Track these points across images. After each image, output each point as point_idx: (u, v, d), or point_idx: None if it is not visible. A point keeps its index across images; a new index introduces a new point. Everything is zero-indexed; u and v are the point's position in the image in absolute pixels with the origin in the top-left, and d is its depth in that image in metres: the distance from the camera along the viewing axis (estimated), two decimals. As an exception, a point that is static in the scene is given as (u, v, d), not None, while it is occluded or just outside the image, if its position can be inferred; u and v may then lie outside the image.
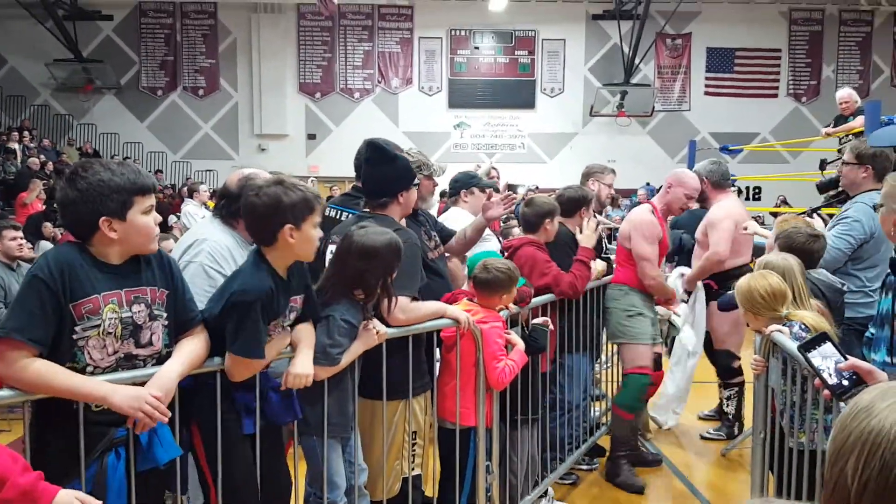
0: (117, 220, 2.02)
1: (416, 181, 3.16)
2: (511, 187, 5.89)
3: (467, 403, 3.17)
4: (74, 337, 1.99)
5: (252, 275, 2.32)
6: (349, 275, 2.64)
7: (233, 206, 2.73)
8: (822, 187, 5.27)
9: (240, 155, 17.72)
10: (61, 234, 9.31)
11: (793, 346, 2.49)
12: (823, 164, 6.66)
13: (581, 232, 4.03)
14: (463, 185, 4.44)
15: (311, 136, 18.05)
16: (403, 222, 3.17)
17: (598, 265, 4.26)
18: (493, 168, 6.13)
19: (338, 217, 3.59)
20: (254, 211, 2.34)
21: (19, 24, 16.66)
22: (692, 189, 4.36)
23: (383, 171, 3.10)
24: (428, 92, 18.30)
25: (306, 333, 2.53)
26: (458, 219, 4.17)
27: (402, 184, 3.08)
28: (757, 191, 17.30)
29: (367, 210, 3.14)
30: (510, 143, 18.40)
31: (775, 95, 18.35)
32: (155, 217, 2.14)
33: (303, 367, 2.43)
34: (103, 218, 2.01)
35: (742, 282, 2.97)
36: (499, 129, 18.40)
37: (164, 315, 2.17)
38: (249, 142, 17.94)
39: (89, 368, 2.01)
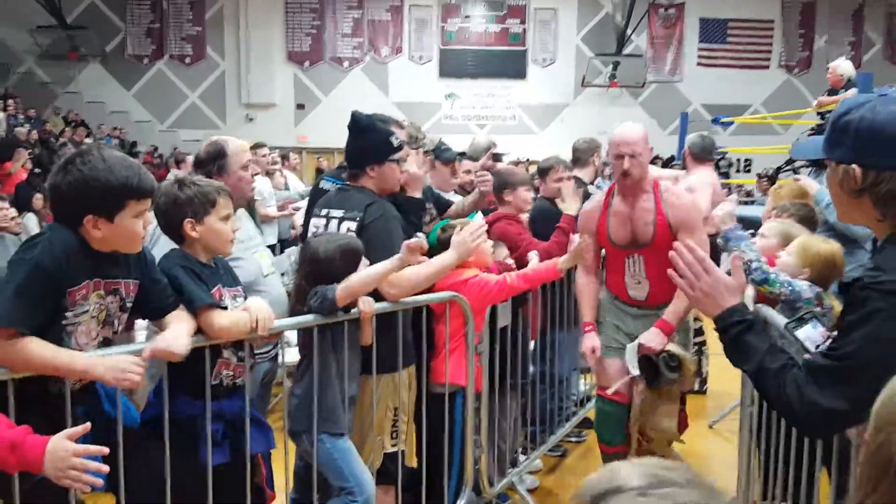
0: (104, 220, 1.97)
1: (394, 157, 3.03)
2: (496, 157, 5.78)
3: (458, 364, 3.16)
4: (64, 322, 1.96)
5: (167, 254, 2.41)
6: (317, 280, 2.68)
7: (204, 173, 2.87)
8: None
9: (227, 124, 17.51)
10: (44, 205, 9.20)
11: (781, 321, 2.49)
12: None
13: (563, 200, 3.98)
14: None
15: (300, 106, 17.86)
16: None
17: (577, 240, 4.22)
18: (494, 143, 6.01)
19: (328, 189, 3.56)
20: (157, 212, 2.39)
21: (1, -10, 16.36)
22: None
23: (355, 142, 3.05)
24: (418, 61, 18.11)
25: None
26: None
27: (372, 157, 2.99)
28: (748, 163, 17.29)
29: (347, 182, 3.11)
30: (501, 114, 18.27)
31: (767, 67, 18.27)
32: (146, 219, 2.08)
33: (261, 312, 2.40)
34: (89, 216, 1.96)
35: (820, 245, 2.92)
36: (490, 99, 18.27)
37: (130, 307, 2.18)
38: (237, 111, 17.74)
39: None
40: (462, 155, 4.19)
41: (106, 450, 1.78)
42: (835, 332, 2.07)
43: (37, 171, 10.54)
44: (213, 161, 3.01)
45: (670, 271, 1.72)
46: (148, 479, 2.26)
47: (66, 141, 13.69)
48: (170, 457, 2.26)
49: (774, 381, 1.56)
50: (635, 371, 3.08)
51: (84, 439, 1.81)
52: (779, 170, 5.08)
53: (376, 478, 2.89)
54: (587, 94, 18.33)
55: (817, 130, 4.69)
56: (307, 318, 2.60)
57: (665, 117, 17.58)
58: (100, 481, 1.76)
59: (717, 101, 17.39)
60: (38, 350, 1.87)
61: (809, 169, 4.49)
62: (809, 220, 3.40)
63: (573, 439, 4.53)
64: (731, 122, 13.70)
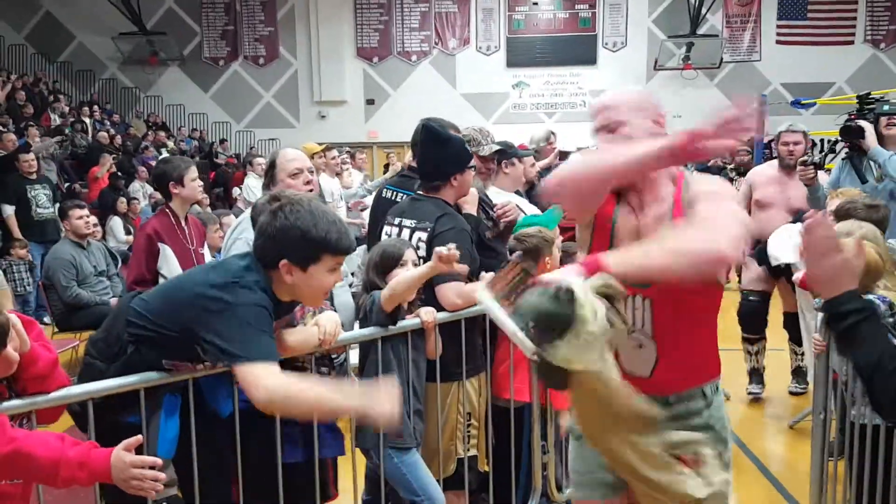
0: (298, 268, 2.06)
1: (472, 164, 3.11)
2: (563, 155, 5.67)
3: (522, 380, 3.15)
4: None
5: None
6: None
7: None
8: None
9: (300, 122, 17.85)
10: (128, 208, 9.59)
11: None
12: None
13: None
14: (504, 156, 3.98)
15: (370, 102, 18.03)
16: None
17: None
18: (553, 133, 5.89)
19: (394, 198, 3.59)
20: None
21: (85, 0, 17.04)
22: None
23: (436, 153, 3.07)
24: (485, 52, 18.01)
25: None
26: (496, 196, 3.72)
27: (456, 166, 3.04)
28: (834, 144, 16.55)
29: (421, 192, 3.13)
30: (570, 101, 18.00)
31: (852, 42, 17.39)
32: (336, 277, 2.17)
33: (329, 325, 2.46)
34: (285, 261, 2.05)
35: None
36: (559, 87, 18.02)
37: None
38: (310, 109, 18.03)
39: None
40: (501, 153, 4.09)
41: (158, 461, 1.86)
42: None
43: (119, 174, 10.97)
44: (267, 173, 3.17)
45: (802, 231, 1.55)
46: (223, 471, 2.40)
47: (148, 144, 14.22)
48: (251, 452, 2.42)
49: (891, 383, 1.47)
50: None
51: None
52: (827, 154, 4.82)
53: (447, 483, 2.92)
54: (660, 78, 17.87)
55: (858, 116, 4.49)
56: (370, 331, 2.64)
57: (743, 98, 16.99)
58: (160, 486, 1.85)
59: (798, 79, 16.70)
60: (305, 389, 1.98)
61: (834, 156, 4.32)
62: (880, 223, 3.19)
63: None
64: (813, 104, 13.13)
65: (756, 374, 5.06)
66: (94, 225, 6.04)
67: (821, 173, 4.20)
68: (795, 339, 4.91)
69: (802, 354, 4.97)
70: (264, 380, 1.89)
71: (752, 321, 4.95)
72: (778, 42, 17.57)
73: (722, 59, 17.63)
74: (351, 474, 2.80)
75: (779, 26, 17.57)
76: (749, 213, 4.78)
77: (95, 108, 15.21)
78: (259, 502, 2.48)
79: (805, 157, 4.26)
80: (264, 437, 2.43)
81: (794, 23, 17.47)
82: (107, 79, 18.05)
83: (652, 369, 1.93)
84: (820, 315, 2.89)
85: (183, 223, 3.81)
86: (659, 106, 2.00)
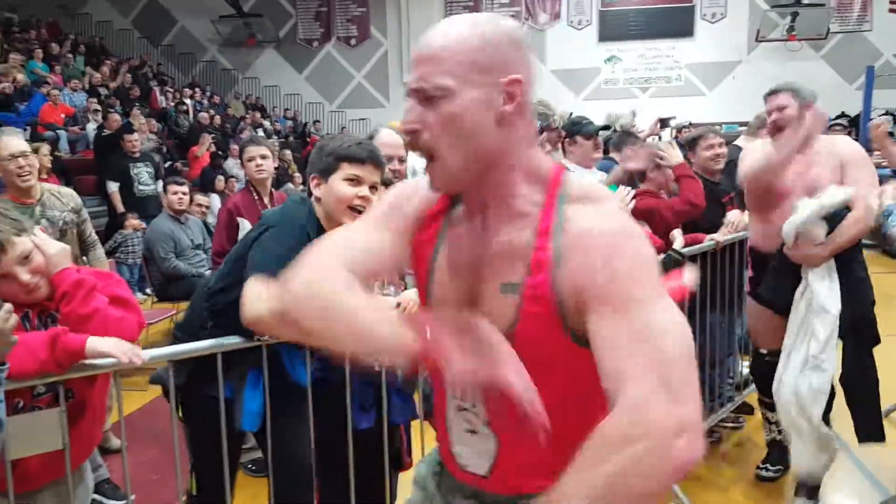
0: (322, 180, 2.20)
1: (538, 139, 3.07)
2: (663, 122, 5.50)
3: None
4: None
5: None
6: None
7: None
8: None
9: (390, 102, 18.02)
10: (225, 186, 9.96)
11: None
12: None
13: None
14: (566, 133, 3.92)
15: (458, 80, 18.00)
16: None
17: (734, 215, 3.97)
18: (634, 111, 5.76)
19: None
20: None
21: (187, -15, 17.74)
22: None
23: None
24: (577, 26, 17.66)
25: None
26: None
27: None
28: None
29: None
30: (665, 75, 17.45)
31: (975, 8, 16.16)
32: (360, 191, 2.14)
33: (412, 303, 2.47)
34: (313, 175, 2.22)
35: None
36: (653, 61, 17.48)
37: None
38: (399, 89, 18.16)
39: None
40: (606, 128, 4.05)
41: (10, 306, 1.72)
42: None
43: (220, 153, 11.40)
44: None
45: None
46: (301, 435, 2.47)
47: (245, 126, 14.69)
48: (324, 418, 2.47)
49: None
50: None
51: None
52: None
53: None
54: (762, 50, 17.09)
55: None
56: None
57: (851, 71, 16.06)
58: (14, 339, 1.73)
59: (913, 49, 15.66)
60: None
61: None
62: None
63: (729, 425, 4.33)
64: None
65: (778, 448, 3.71)
66: (193, 202, 6.31)
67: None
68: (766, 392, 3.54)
69: (777, 424, 3.59)
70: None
71: (769, 383, 3.44)
72: (891, 10, 16.43)
73: (829, 29, 16.68)
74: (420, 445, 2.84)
75: (893, -7, 16.47)
76: None
77: (196, 89, 15.82)
78: (334, 471, 2.55)
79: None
80: (339, 404, 2.48)
81: (911, -12, 16.33)
82: (207, 61, 18.73)
83: (491, 466, 1.28)
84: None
85: (266, 199, 3.93)
86: (516, 61, 1.14)
